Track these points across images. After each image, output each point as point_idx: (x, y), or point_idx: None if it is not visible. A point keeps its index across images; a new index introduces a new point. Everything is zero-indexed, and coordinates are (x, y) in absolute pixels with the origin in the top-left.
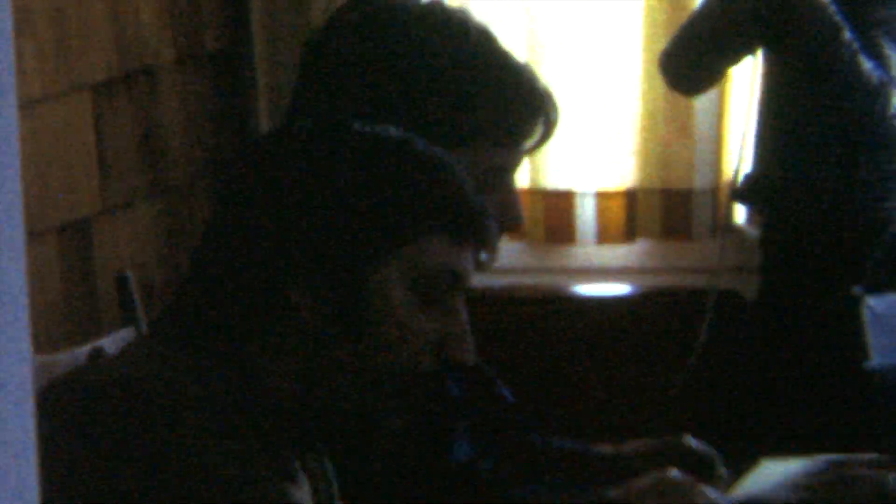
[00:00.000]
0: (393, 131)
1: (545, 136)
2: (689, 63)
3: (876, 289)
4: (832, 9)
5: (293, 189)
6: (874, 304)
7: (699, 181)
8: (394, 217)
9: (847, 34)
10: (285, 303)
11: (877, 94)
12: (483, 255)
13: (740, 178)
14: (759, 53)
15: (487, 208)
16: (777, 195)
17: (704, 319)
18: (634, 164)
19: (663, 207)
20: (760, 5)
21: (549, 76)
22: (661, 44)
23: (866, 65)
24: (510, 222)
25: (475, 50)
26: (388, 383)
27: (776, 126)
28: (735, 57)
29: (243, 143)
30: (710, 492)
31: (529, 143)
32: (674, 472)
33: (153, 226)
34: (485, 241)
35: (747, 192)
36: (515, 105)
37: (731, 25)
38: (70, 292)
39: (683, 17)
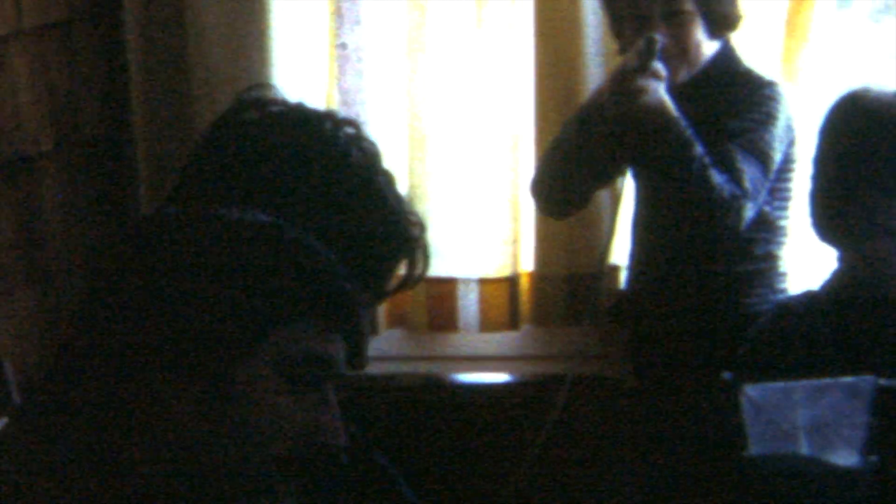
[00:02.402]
0: (261, 217)
1: (406, 283)
2: (556, 187)
3: (750, 378)
4: (682, 123)
5: (160, 275)
6: (752, 393)
7: (585, 266)
8: (261, 302)
9: (698, 149)
10: (153, 392)
11: (728, 207)
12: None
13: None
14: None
15: (356, 294)
16: (646, 314)
17: (557, 402)
18: (517, 250)
19: (545, 293)
20: (614, 124)
21: (430, 162)
22: (551, 131)
23: (717, 179)
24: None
25: (356, 179)
26: (262, 468)
27: (644, 239)
28: (599, 177)
29: (113, 231)
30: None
31: (388, 283)
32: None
33: (31, 313)
34: (353, 326)
35: (619, 312)
36: (383, 246)
37: (590, 146)
38: None
39: (575, 104)
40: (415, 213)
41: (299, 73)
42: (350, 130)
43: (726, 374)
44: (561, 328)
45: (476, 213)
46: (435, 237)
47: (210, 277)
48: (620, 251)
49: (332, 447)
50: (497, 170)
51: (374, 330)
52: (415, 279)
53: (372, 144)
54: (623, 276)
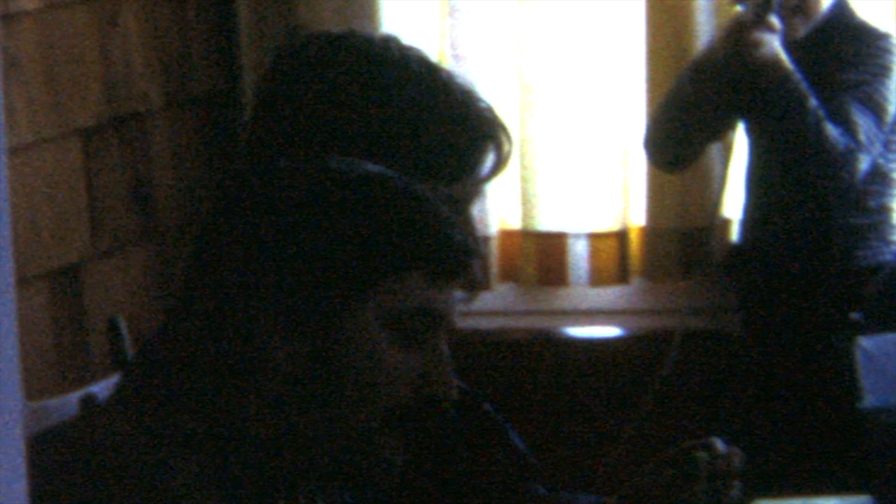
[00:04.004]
0: (370, 167)
1: (497, 165)
2: (669, 141)
3: (869, 329)
4: (797, 77)
5: (266, 230)
6: (866, 344)
7: (696, 220)
8: (369, 255)
9: (812, 102)
10: (260, 348)
11: (843, 160)
12: (463, 293)
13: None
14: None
15: (471, 244)
16: (758, 267)
17: (668, 358)
18: (627, 204)
19: (656, 247)
20: (728, 77)
21: (540, 117)
22: (663, 85)
23: (832, 131)
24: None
25: (422, 82)
26: (370, 421)
27: (758, 193)
28: (713, 131)
29: (217, 186)
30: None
31: (481, 173)
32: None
33: (144, 271)
34: (466, 279)
35: (730, 265)
36: (465, 135)
37: (703, 100)
38: (61, 338)
39: (686, 58)
40: (484, 100)
41: (409, 28)
42: (402, 47)
43: (855, 315)
44: (672, 282)
45: (586, 168)
46: (545, 191)
47: (319, 228)
48: (732, 204)
49: (442, 400)
50: (607, 124)
51: (485, 283)
52: (505, 159)
53: (418, 50)
54: (735, 230)
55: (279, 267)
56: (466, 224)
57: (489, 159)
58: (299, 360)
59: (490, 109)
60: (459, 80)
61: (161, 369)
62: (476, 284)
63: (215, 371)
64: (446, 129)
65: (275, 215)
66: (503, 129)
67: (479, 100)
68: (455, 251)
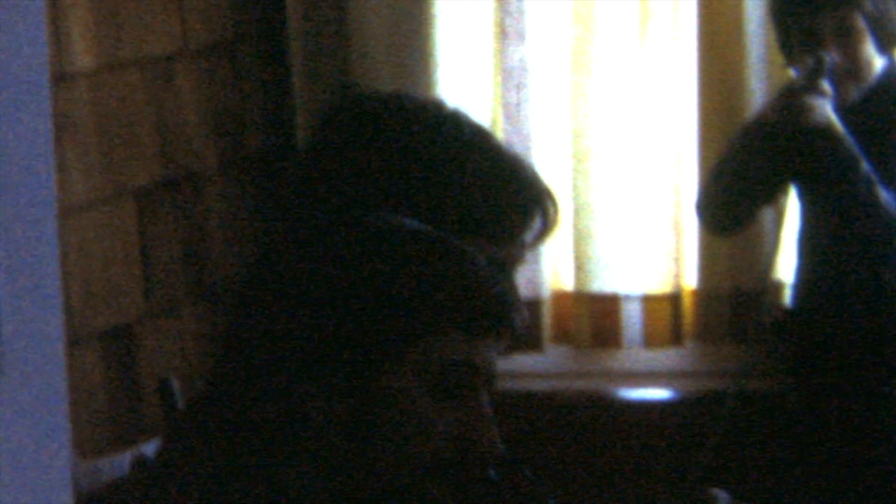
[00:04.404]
0: (409, 223)
1: (543, 231)
2: (722, 205)
3: None
4: (849, 141)
5: (304, 286)
6: None
7: (749, 283)
8: (406, 312)
9: (865, 166)
10: (298, 407)
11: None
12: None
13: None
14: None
15: (510, 300)
16: (812, 329)
17: (720, 423)
18: (681, 266)
19: (708, 310)
20: (780, 142)
21: (594, 180)
22: (716, 149)
23: (885, 196)
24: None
25: (470, 146)
26: (410, 478)
27: (810, 257)
28: (765, 195)
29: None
30: None
31: (526, 238)
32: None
33: (197, 331)
34: (505, 333)
35: (783, 328)
36: (510, 199)
37: (755, 164)
38: (114, 398)
39: (739, 122)
40: (532, 167)
41: (463, 87)
42: (451, 110)
43: None
44: (724, 345)
45: (639, 229)
46: (598, 253)
47: (355, 285)
48: (785, 268)
49: (485, 456)
50: (660, 186)
51: (538, 346)
52: (551, 225)
53: (467, 114)
54: (787, 293)
55: (316, 324)
56: (509, 286)
57: (535, 224)
58: (337, 418)
59: (537, 175)
60: (507, 146)
61: (202, 432)
62: (518, 341)
63: (255, 433)
64: (492, 192)
65: (312, 271)
66: (549, 194)
67: (526, 165)
68: (493, 307)
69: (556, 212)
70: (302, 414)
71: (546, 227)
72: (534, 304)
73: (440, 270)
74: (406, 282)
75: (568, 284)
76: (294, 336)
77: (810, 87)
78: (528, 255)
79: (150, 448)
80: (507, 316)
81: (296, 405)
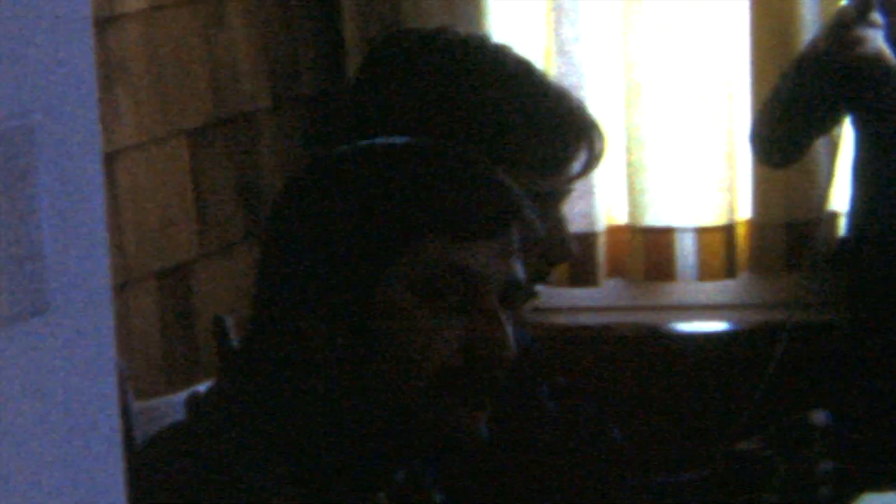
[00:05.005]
0: (404, 140)
1: (589, 163)
2: (775, 137)
3: None
4: None
5: (307, 213)
6: None
7: (803, 214)
8: (385, 222)
9: None
10: (306, 335)
11: None
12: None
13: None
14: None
15: (506, 200)
16: (867, 260)
17: (775, 353)
18: (734, 198)
19: (763, 242)
20: (832, 73)
21: (647, 112)
22: (769, 81)
23: None
24: (557, 255)
25: (514, 78)
26: (419, 389)
27: (865, 186)
28: (819, 126)
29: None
30: None
31: (572, 171)
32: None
33: (251, 270)
34: (503, 239)
35: (838, 258)
36: (555, 131)
37: (808, 95)
38: (169, 338)
39: (792, 54)
40: (578, 99)
41: (515, 24)
42: (495, 44)
43: None
44: (779, 276)
45: (692, 162)
46: (652, 186)
47: (343, 202)
48: (839, 197)
49: (493, 361)
50: (713, 118)
51: (593, 280)
52: (597, 157)
53: (511, 48)
54: (842, 223)
55: (315, 248)
56: (555, 220)
57: (581, 156)
58: (338, 339)
59: (583, 108)
60: (552, 79)
61: (243, 371)
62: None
63: (281, 367)
64: (536, 124)
65: (317, 198)
66: (595, 127)
67: (571, 98)
68: (482, 208)
69: (602, 144)
70: (310, 340)
71: (592, 160)
72: (589, 238)
73: (411, 177)
74: (379, 191)
75: (622, 218)
76: (295, 264)
77: (861, 17)
78: (582, 189)
79: (205, 387)
80: (498, 217)
81: (304, 332)
